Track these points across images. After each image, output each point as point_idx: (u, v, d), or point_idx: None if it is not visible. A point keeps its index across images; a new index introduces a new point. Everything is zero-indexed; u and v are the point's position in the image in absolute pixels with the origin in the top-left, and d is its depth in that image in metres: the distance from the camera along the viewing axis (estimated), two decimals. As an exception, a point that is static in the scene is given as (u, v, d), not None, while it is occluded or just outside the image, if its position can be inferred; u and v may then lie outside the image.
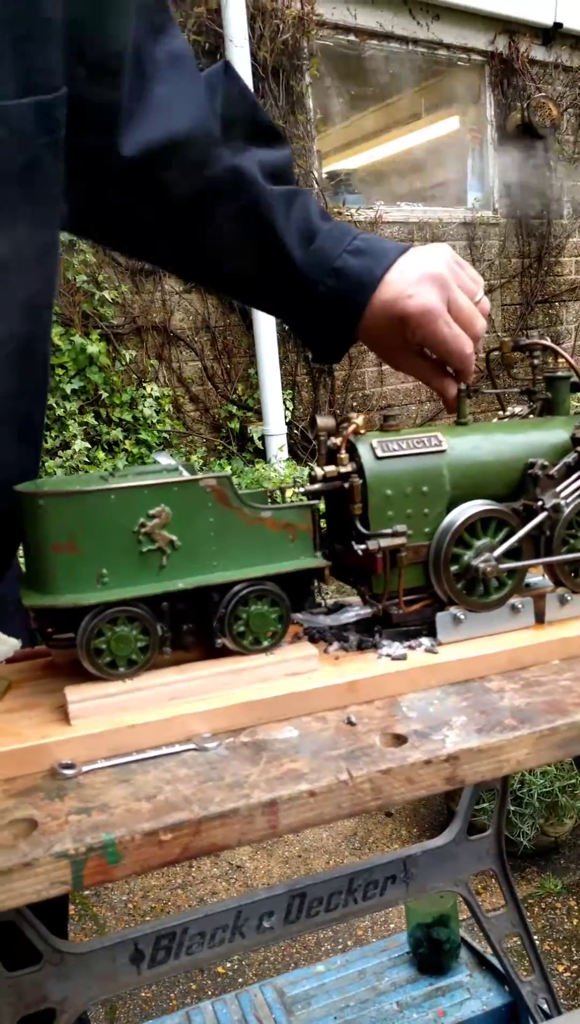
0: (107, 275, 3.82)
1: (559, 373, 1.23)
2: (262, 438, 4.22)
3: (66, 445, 3.75)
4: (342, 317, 1.19)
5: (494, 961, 1.68)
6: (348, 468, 1.06)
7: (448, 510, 1.10)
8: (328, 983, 1.66)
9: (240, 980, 2.29)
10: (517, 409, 1.35)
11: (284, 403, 4.33)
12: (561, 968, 2.41)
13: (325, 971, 1.71)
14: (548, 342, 1.17)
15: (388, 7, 4.65)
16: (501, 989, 1.69)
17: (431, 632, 1.10)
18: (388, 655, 1.05)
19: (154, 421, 3.91)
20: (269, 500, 1.15)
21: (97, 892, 2.58)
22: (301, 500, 1.08)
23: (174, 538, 0.93)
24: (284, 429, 4.25)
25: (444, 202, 5.63)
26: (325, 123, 4.80)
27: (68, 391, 3.83)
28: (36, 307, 1.04)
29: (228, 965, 2.33)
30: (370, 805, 0.85)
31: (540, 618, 1.15)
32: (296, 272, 1.13)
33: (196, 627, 0.97)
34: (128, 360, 3.90)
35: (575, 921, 2.63)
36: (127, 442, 3.82)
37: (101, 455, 3.71)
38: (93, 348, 3.71)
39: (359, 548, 1.02)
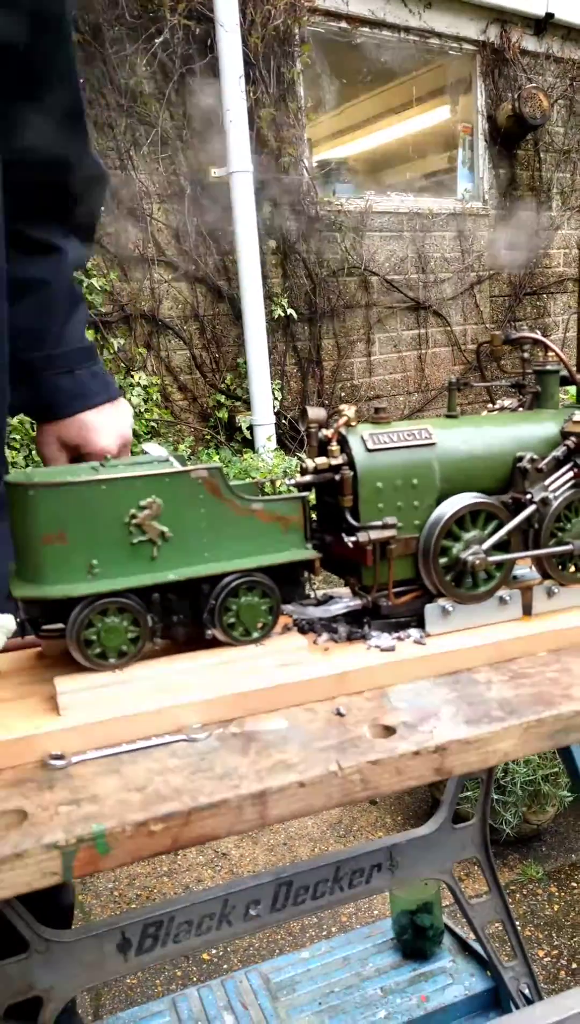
0: (95, 263, 3.79)
1: (548, 367, 1.24)
2: (250, 428, 4.21)
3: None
4: (67, 401, 1.35)
5: (477, 947, 1.71)
6: (339, 460, 1.06)
7: (438, 503, 1.11)
8: (313, 969, 1.68)
9: (225, 966, 2.30)
10: (506, 402, 1.35)
11: (272, 393, 4.33)
12: (542, 953, 2.45)
13: (310, 957, 1.72)
14: (538, 335, 1.17)
15: (380, -6, 4.63)
16: (483, 974, 1.72)
17: (420, 624, 1.11)
18: (377, 646, 1.06)
19: (142, 410, 3.90)
20: (260, 492, 1.15)
21: (83, 880, 2.59)
22: (292, 492, 1.08)
23: (165, 529, 0.93)
24: (272, 419, 4.25)
25: (434, 192, 5.62)
26: (315, 111, 4.77)
27: (55, 379, 3.80)
28: None
29: (213, 951, 2.35)
30: (359, 796, 0.86)
31: (528, 610, 1.16)
32: (64, 350, 1.33)
33: (186, 618, 0.97)
34: (116, 349, 3.88)
35: (556, 907, 2.67)
36: (115, 431, 3.82)
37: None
38: (80, 336, 3.67)
39: (349, 540, 1.03)
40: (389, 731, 0.91)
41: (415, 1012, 1.55)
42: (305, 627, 1.11)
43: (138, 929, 1.22)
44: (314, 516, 1.14)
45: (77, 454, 1.40)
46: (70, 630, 0.90)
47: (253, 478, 3.58)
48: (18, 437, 3.42)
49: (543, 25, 5.75)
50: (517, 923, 2.55)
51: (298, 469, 1.09)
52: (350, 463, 1.06)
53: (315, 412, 1.12)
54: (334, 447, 1.06)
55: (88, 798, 0.79)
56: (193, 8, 3.79)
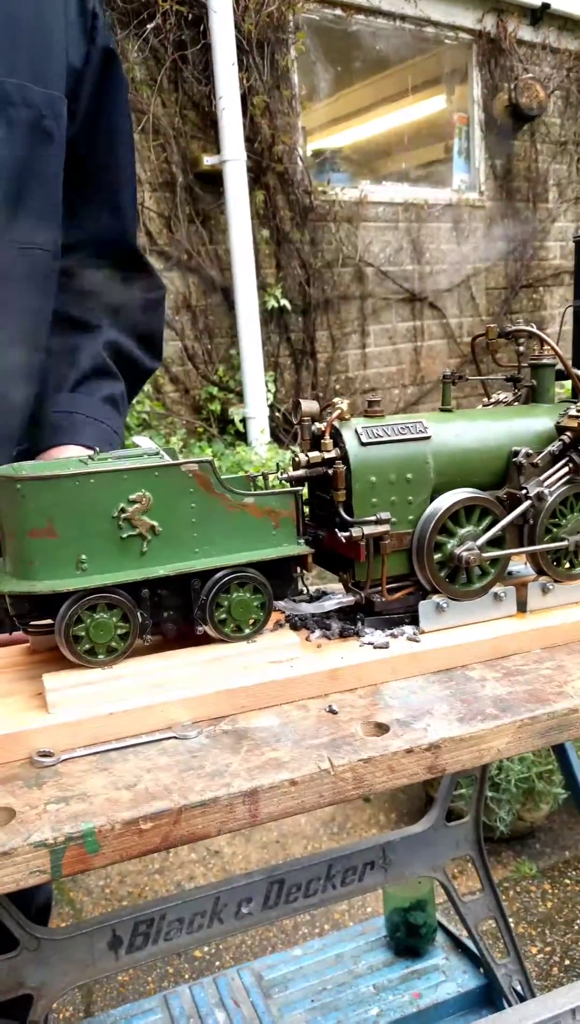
0: (87, 252, 3.76)
1: (544, 360, 1.22)
2: (243, 420, 4.18)
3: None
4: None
5: (470, 944, 1.70)
6: (332, 454, 1.04)
7: (432, 498, 1.09)
8: (305, 967, 1.67)
9: (217, 964, 2.30)
10: (502, 396, 1.34)
11: (266, 385, 4.30)
12: (534, 950, 2.45)
13: (302, 955, 1.72)
14: (534, 329, 1.16)
15: (376, -18, 4.60)
16: (476, 971, 1.71)
17: (414, 620, 1.09)
18: (370, 643, 1.04)
19: (133, 402, 3.87)
20: (251, 486, 1.13)
21: (74, 877, 2.58)
22: (284, 486, 1.06)
23: (155, 524, 0.91)
24: (266, 411, 4.22)
25: (430, 182, 5.59)
26: (310, 99, 4.74)
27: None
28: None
29: (205, 949, 2.34)
30: (351, 794, 0.85)
31: (522, 607, 1.15)
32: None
33: (177, 614, 0.95)
34: (108, 339, 3.86)
35: (549, 904, 2.67)
36: (107, 423, 3.79)
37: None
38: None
39: (342, 535, 1.01)
40: (382, 729, 0.90)
41: (407, 1009, 1.55)
42: (297, 623, 1.09)
43: (129, 927, 1.21)
44: (307, 511, 1.13)
45: None
46: (58, 626, 0.88)
47: (246, 472, 3.56)
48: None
49: (539, 15, 5.71)
50: (510, 920, 2.56)
51: (291, 463, 1.07)
52: (343, 457, 1.04)
53: (308, 405, 1.10)
54: (327, 441, 1.04)
55: (77, 796, 0.78)
56: (186, -6, 3.75)
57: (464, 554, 1.07)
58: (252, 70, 4.12)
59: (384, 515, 1.03)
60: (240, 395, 4.26)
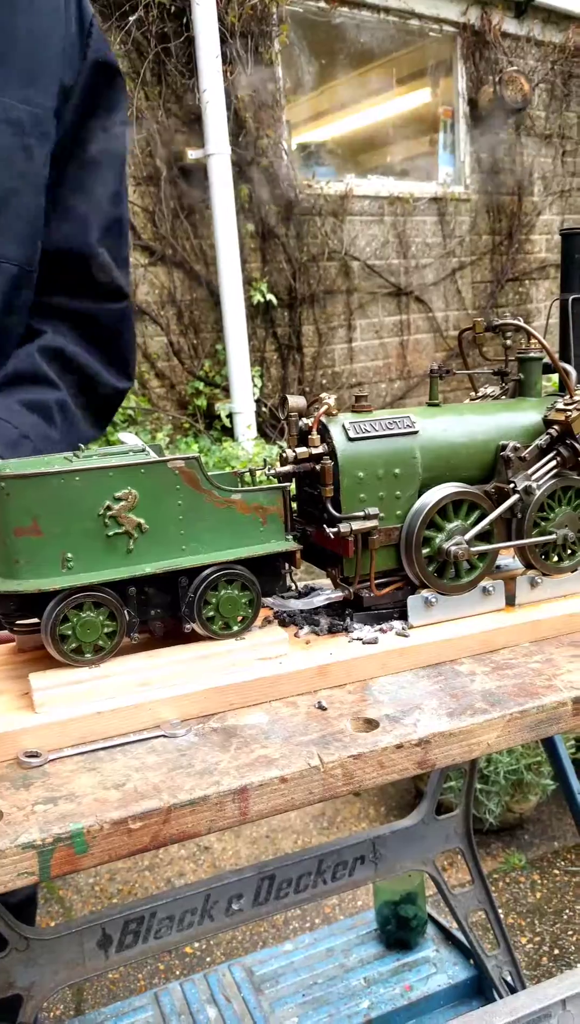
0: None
1: (531, 354, 1.22)
2: (230, 416, 4.17)
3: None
4: None
5: (460, 936, 1.71)
6: (320, 449, 1.04)
7: (420, 493, 1.09)
8: (296, 961, 1.67)
9: (208, 960, 2.30)
10: (489, 390, 1.34)
11: (252, 380, 4.29)
12: (524, 940, 2.47)
13: (293, 949, 1.72)
14: (520, 322, 1.16)
15: (359, -25, 4.58)
16: (467, 963, 1.72)
17: (402, 615, 1.09)
18: (359, 639, 1.04)
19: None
20: (239, 482, 1.13)
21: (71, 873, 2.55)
22: (271, 482, 1.06)
23: (141, 521, 0.90)
24: (253, 406, 4.21)
25: (415, 176, 5.58)
26: (294, 92, 4.72)
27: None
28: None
29: (196, 945, 2.34)
30: (341, 790, 0.84)
31: (511, 601, 1.15)
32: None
33: (164, 612, 0.94)
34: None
35: (538, 894, 2.69)
36: (92, 419, 3.76)
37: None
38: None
39: (330, 531, 1.01)
40: (371, 724, 0.90)
41: (398, 1002, 1.55)
42: (286, 620, 1.09)
43: (119, 925, 1.21)
44: (295, 506, 1.12)
45: None
46: (45, 625, 0.87)
47: (233, 467, 3.54)
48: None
49: (524, 8, 5.71)
50: (500, 911, 2.57)
51: (278, 458, 1.07)
52: (331, 452, 1.04)
53: (295, 400, 1.10)
54: (314, 436, 1.04)
55: (65, 796, 0.77)
56: (169, -15, 3.71)
57: (452, 549, 1.07)
58: (236, 63, 4.09)
59: (372, 510, 1.03)
60: (226, 390, 4.25)
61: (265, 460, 3.76)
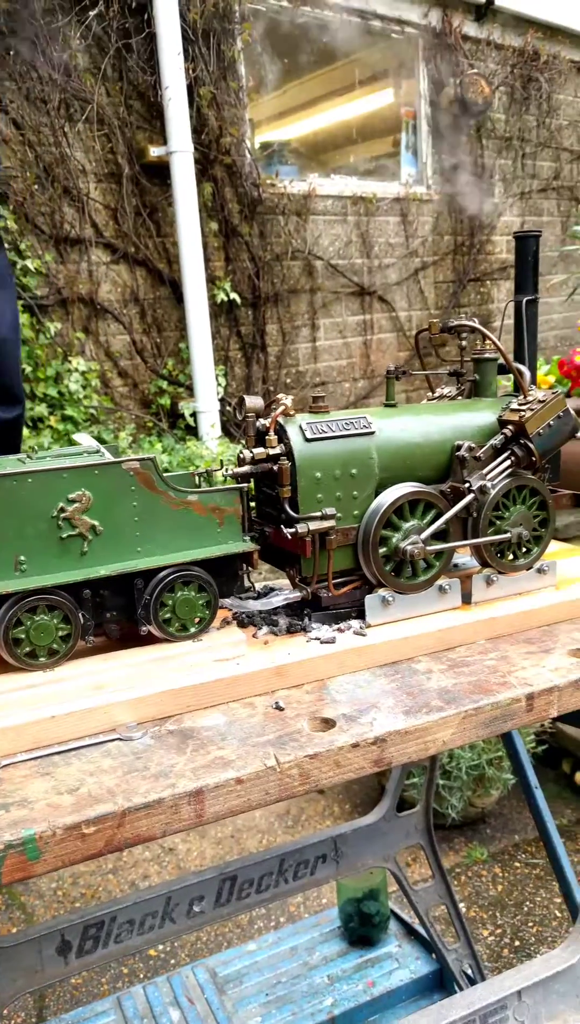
0: (30, 243, 3.67)
1: (486, 355, 1.24)
2: (194, 415, 4.15)
3: (-11, 420, 3.62)
4: None
5: (422, 931, 1.73)
6: (277, 450, 1.04)
7: (377, 493, 1.10)
8: (260, 961, 1.68)
9: (173, 962, 2.29)
10: (446, 390, 1.35)
11: (216, 379, 4.28)
12: (486, 933, 2.50)
13: (257, 949, 1.72)
14: (475, 323, 1.17)
15: (321, -26, 4.59)
16: (429, 957, 1.74)
17: (360, 614, 1.10)
18: (317, 638, 1.04)
19: (80, 397, 3.80)
20: (197, 482, 1.12)
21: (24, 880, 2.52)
22: (229, 483, 1.06)
23: (96, 523, 0.90)
24: (217, 405, 4.20)
25: (378, 176, 5.61)
26: (257, 91, 4.71)
27: (-9, 364, 3.69)
28: None
29: (161, 947, 2.33)
30: (298, 790, 0.85)
31: (467, 599, 1.17)
32: None
33: (120, 615, 0.94)
34: (53, 333, 3.78)
35: (500, 887, 2.72)
36: (52, 418, 3.71)
37: (25, 432, 3.59)
38: (17, 320, 3.57)
39: (288, 531, 1.01)
40: (328, 724, 0.90)
41: (361, 998, 1.57)
42: (245, 621, 1.09)
43: (78, 931, 1.20)
44: (253, 507, 1.13)
45: None
46: (-3, 629, 0.86)
47: (197, 467, 3.53)
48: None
49: (484, 11, 5.77)
50: (462, 905, 2.60)
51: (236, 460, 1.07)
52: (288, 453, 1.04)
53: (252, 401, 1.10)
54: (272, 437, 1.04)
55: (17, 802, 0.76)
56: (130, -19, 3.68)
57: (408, 548, 1.07)
58: (198, 60, 4.07)
59: (329, 511, 1.04)
60: (190, 389, 4.23)
61: (222, 461, 3.75)
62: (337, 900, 1.83)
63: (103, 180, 3.97)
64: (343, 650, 1.02)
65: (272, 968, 1.66)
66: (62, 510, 0.87)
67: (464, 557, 1.29)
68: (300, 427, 1.05)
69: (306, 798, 3.07)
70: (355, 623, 1.08)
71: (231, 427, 4.44)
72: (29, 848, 0.72)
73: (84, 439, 1.09)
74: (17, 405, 1.52)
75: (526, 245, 1.26)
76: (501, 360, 1.24)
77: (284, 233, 4.74)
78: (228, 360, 4.58)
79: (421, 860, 2.68)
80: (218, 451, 3.82)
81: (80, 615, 0.90)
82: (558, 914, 2.65)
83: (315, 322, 5.07)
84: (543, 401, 1.14)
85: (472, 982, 1.58)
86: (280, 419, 1.06)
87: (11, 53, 3.48)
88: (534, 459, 1.16)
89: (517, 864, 2.86)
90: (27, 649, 0.88)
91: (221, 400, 4.33)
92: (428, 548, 1.09)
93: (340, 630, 1.07)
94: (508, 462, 1.16)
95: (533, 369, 1.27)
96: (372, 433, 1.10)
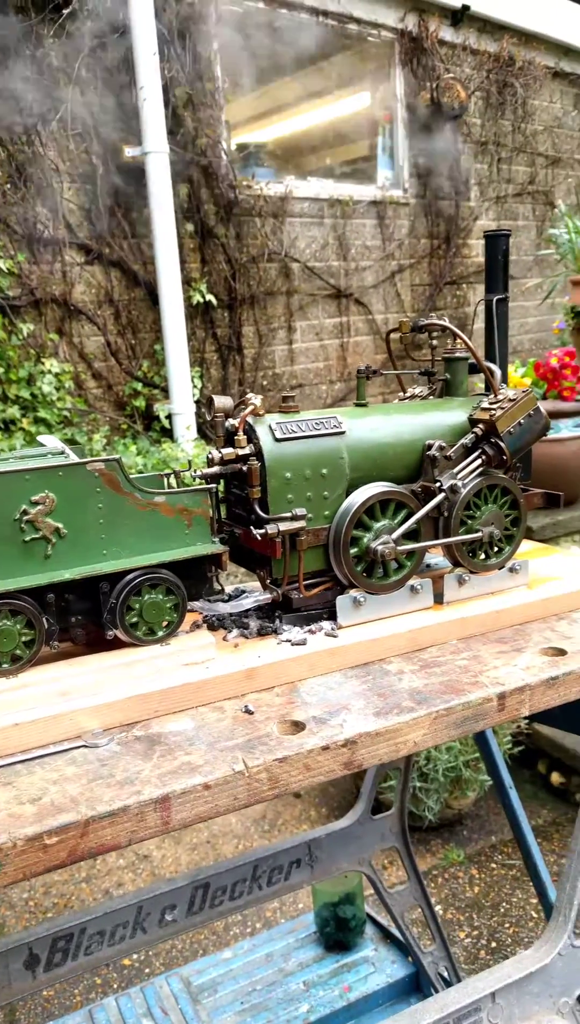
0: (2, 243, 3.63)
1: (457, 354, 1.24)
2: (169, 417, 4.12)
3: (-38, 423, 3.57)
4: None
5: (397, 934, 1.72)
6: (246, 450, 1.03)
7: (347, 493, 1.09)
8: (235, 969, 1.66)
9: (147, 970, 2.26)
10: (417, 390, 1.35)
11: (192, 381, 4.25)
12: (462, 935, 2.50)
13: (232, 957, 1.70)
14: (446, 322, 1.16)
15: (297, -23, 4.60)
16: (405, 961, 1.73)
17: (331, 616, 1.09)
18: (288, 640, 1.03)
19: (54, 399, 3.76)
20: (166, 483, 1.11)
21: (-1, 887, 2.48)
22: (198, 484, 1.04)
23: (60, 525, 0.88)
24: (192, 408, 4.17)
25: (355, 179, 5.62)
26: (233, 91, 4.69)
27: (-37, 366, 3.64)
28: None
29: (134, 956, 2.30)
30: (267, 795, 0.83)
31: (439, 599, 1.16)
32: None
33: (86, 619, 0.92)
34: (25, 334, 3.74)
35: (476, 889, 2.73)
36: (24, 420, 3.67)
37: (-1, 434, 3.54)
38: (-10, 321, 3.53)
39: (257, 533, 1.00)
40: (298, 727, 0.89)
41: (337, 1003, 1.55)
42: (215, 623, 1.07)
43: (47, 944, 1.17)
44: (222, 508, 1.11)
45: None
46: (-43, 634, 0.84)
47: (172, 469, 3.51)
48: None
49: (460, 16, 5.80)
50: (439, 907, 2.59)
51: (207, 460, 1.05)
52: (258, 453, 1.03)
53: (221, 401, 1.08)
54: (241, 437, 1.03)
55: (-23, 813, 0.74)
56: (104, -19, 3.66)
57: (379, 548, 1.07)
58: (173, 61, 4.05)
59: (300, 511, 1.02)
60: (165, 391, 4.20)
61: (189, 461, 3.73)
62: (313, 904, 1.82)
63: (77, 180, 3.94)
64: (314, 652, 1.01)
65: (247, 975, 1.64)
66: (25, 512, 0.85)
67: (436, 557, 1.28)
68: (269, 427, 1.04)
69: (282, 802, 3.05)
70: (326, 624, 1.07)
71: (207, 429, 4.41)
72: (-11, 859, 0.70)
73: (49, 440, 1.06)
74: None
75: (496, 244, 1.25)
76: (472, 359, 1.24)
77: (260, 235, 4.73)
78: (204, 362, 4.56)
79: (398, 863, 2.67)
80: (194, 453, 3.80)
81: (44, 619, 0.88)
82: (534, 915, 2.65)
83: (292, 324, 5.06)
84: (513, 400, 1.14)
85: (448, 984, 1.57)
86: (249, 419, 1.04)
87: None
88: (505, 458, 1.15)
89: (494, 865, 2.86)
90: (-11, 654, 0.86)
91: (197, 402, 4.30)
92: (399, 548, 1.08)
93: (311, 632, 1.06)
94: (479, 461, 1.15)
95: (504, 368, 1.27)
96: (343, 433, 1.09)
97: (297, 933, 1.84)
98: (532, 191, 6.94)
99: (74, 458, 0.91)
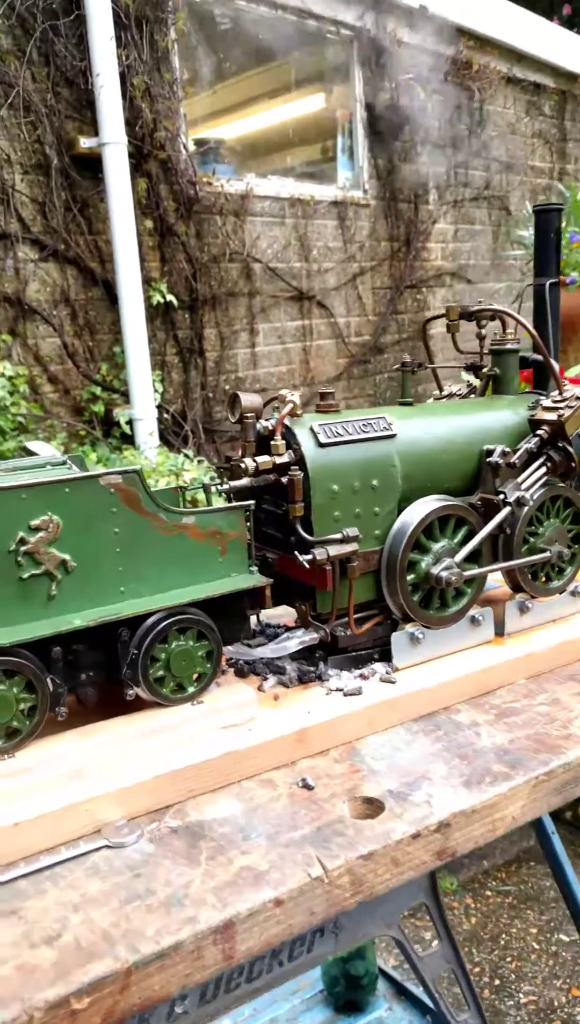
0: (-51, 237, 3.37)
1: (508, 345, 1.07)
2: (130, 422, 3.89)
3: None
4: None
5: (428, 1002, 1.55)
6: (285, 458, 0.84)
7: (399, 508, 0.92)
8: (240, 1045, 1.46)
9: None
10: (455, 388, 1.18)
11: (153, 385, 4.04)
12: (466, 971, 2.34)
13: (236, 1029, 1.51)
14: (504, 308, 1.00)
15: (255, -31, 4.44)
16: (422, 1019, 1.56)
17: (383, 655, 0.91)
18: (339, 689, 0.85)
19: (7, 404, 3.50)
20: (180, 500, 0.92)
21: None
22: (221, 499, 0.86)
23: (67, 557, 0.68)
24: (154, 412, 3.95)
25: (315, 179, 5.48)
26: (192, 84, 4.50)
27: None
28: None
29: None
30: (348, 903, 0.65)
31: (500, 630, 1.00)
32: None
33: (99, 675, 0.72)
34: (-23, 335, 3.47)
35: (473, 920, 2.58)
36: (-23, 427, 3.40)
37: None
38: None
39: (303, 559, 0.81)
40: (374, 806, 0.71)
41: (358, 1079, 1.37)
42: (244, 668, 0.89)
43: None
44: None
45: None
46: None
47: (176, 486, 3.28)
48: None
49: (417, 17, 5.73)
50: (436, 942, 2.42)
51: (229, 469, 0.87)
52: (299, 461, 0.84)
53: (248, 399, 0.90)
54: (278, 442, 0.84)
55: (-31, 952, 0.54)
56: (55, -39, 3.43)
57: (443, 574, 0.89)
58: (131, 47, 3.84)
59: (351, 531, 0.85)
60: (125, 395, 3.97)
61: (170, 469, 3.51)
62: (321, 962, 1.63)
63: (30, 171, 3.69)
64: (371, 704, 0.83)
65: (253, 1051, 1.45)
66: (22, 541, 0.66)
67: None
68: (311, 430, 0.86)
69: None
70: (379, 667, 0.90)
71: (169, 435, 4.20)
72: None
73: (42, 448, 0.87)
74: None
75: (547, 221, 1.10)
76: (523, 352, 1.08)
77: (221, 234, 4.54)
78: (165, 365, 4.34)
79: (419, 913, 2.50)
80: (157, 461, 3.59)
81: (48, 680, 0.68)
82: (535, 946, 2.52)
83: (254, 327, 4.88)
84: (585, 398, 0.98)
85: (482, 1054, 1.40)
86: (287, 420, 0.86)
87: None
88: (573, 464, 1.00)
89: (489, 893, 2.72)
90: (-23, 728, 0.65)
91: (159, 407, 4.09)
92: (465, 574, 0.91)
93: (363, 676, 0.88)
94: (543, 469, 0.99)
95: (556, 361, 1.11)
96: (393, 436, 0.91)
97: (302, 994, 1.65)
98: (488, 196, 6.92)
99: (79, 471, 0.72)
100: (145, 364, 3.90)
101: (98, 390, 3.91)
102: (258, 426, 0.87)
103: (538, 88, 7.23)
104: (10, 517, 0.65)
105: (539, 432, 0.99)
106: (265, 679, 0.87)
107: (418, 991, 1.64)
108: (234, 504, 0.78)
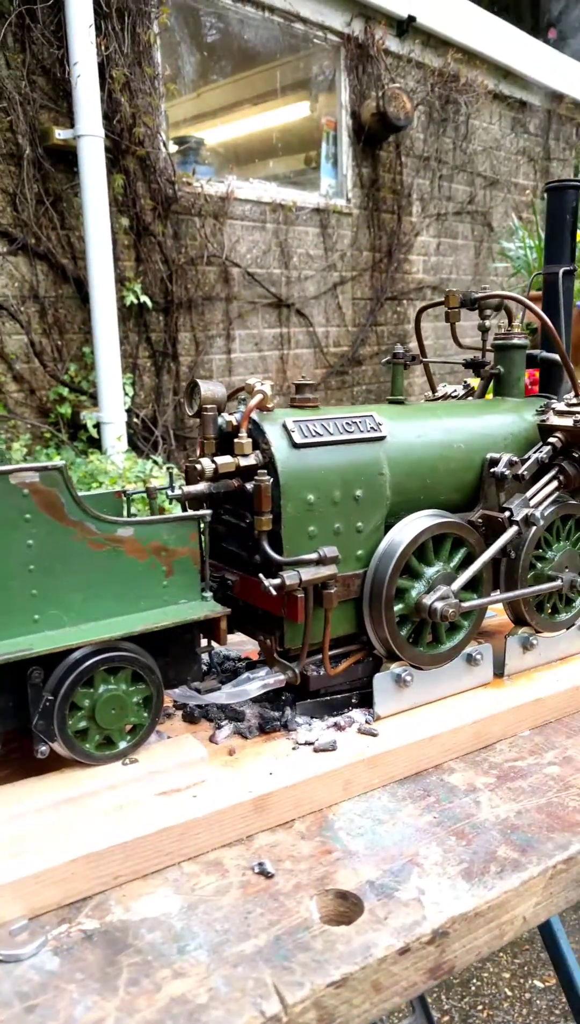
0: None
1: (515, 340, 0.94)
2: (97, 426, 3.72)
3: None
4: None
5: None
6: (251, 459, 0.69)
7: (387, 525, 0.77)
8: None
9: None
10: (449, 389, 1.04)
11: (123, 388, 3.87)
12: (435, 1015, 2.19)
13: None
14: (513, 294, 0.86)
15: (243, -32, 4.33)
16: None
17: (363, 701, 0.76)
18: (308, 743, 0.70)
19: (-32, 401, 3.32)
20: (124, 507, 0.76)
21: None
22: (166, 508, 0.70)
23: (-39, 575, 0.52)
24: (123, 416, 3.78)
25: (298, 185, 5.37)
26: (174, 81, 4.36)
27: None
28: None
29: None
30: (313, 1045, 0.49)
31: (499, 670, 0.85)
32: None
33: (3, 725, 0.56)
34: None
35: (447, 962, 2.42)
36: None
37: None
38: None
39: (270, 584, 0.66)
40: (350, 904, 0.55)
41: None
42: (194, 712, 0.73)
43: None
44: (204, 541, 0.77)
45: None
46: None
47: (100, 483, 3.10)
48: None
49: (405, 27, 5.66)
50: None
51: (184, 472, 0.72)
52: (269, 464, 0.69)
53: (210, 387, 0.75)
54: (244, 440, 0.69)
55: None
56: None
57: (438, 605, 0.74)
58: (111, 38, 3.70)
59: (329, 551, 0.70)
60: (93, 397, 3.80)
61: (138, 475, 3.34)
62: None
63: (1, 161, 3.52)
64: (348, 763, 0.68)
65: None
66: None
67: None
68: (284, 427, 0.71)
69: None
70: (358, 715, 0.75)
71: (139, 440, 4.04)
72: None
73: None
74: None
75: (562, 200, 0.97)
76: (531, 350, 0.95)
77: (200, 235, 4.40)
78: (136, 368, 4.18)
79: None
80: (125, 466, 3.42)
81: None
82: (508, 992, 2.36)
83: (230, 332, 4.74)
84: (606, 402, 0.84)
85: None
86: (254, 414, 0.71)
87: None
88: (589, 480, 0.86)
89: (462, 933, 2.56)
90: None
91: (128, 411, 3.92)
92: (464, 605, 0.77)
93: (338, 727, 0.73)
94: (555, 483, 0.85)
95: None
96: (382, 439, 0.77)
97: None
98: (471, 211, 6.87)
99: (-12, 465, 0.56)
100: (116, 366, 3.74)
101: (66, 391, 3.74)
102: (220, 420, 0.72)
103: (523, 106, 7.23)
104: None
105: (551, 440, 0.85)
106: (218, 727, 0.71)
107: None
108: (185, 514, 0.62)
